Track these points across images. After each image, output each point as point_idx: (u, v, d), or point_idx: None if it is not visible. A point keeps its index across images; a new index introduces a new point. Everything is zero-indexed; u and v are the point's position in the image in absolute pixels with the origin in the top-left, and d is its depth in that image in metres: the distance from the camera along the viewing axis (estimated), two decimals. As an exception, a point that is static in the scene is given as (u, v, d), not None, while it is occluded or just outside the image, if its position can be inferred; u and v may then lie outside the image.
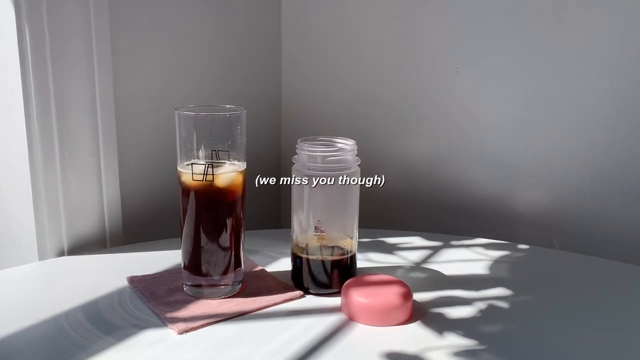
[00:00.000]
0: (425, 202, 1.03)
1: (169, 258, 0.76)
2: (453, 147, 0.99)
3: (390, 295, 0.62)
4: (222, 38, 1.02)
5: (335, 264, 0.67)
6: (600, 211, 0.87)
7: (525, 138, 0.91)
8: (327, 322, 0.61)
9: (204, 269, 0.65)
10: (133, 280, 0.69)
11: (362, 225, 0.73)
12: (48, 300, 0.65)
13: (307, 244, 0.67)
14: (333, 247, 0.67)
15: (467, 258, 0.79)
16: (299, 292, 0.67)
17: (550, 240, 0.92)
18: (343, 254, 0.67)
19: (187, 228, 0.65)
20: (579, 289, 0.71)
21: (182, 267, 0.67)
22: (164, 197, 0.94)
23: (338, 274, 0.67)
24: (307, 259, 0.67)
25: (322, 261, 0.66)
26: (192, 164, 0.63)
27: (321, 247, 0.66)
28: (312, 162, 0.65)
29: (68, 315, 0.61)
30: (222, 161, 0.64)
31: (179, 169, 0.64)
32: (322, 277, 0.67)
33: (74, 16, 0.76)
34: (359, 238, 0.69)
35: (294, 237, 0.68)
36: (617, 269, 0.77)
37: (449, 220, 1.01)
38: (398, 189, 1.06)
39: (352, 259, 0.68)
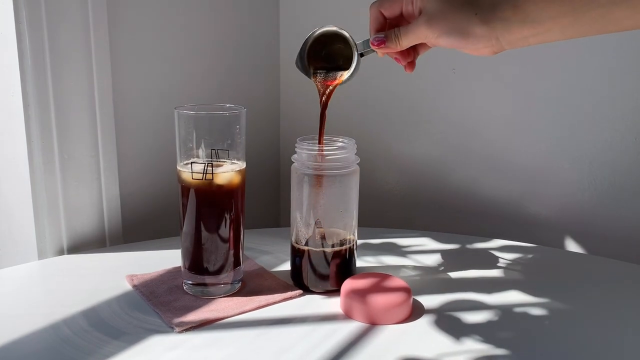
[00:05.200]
0: (424, 201, 1.04)
1: (169, 257, 0.76)
2: (452, 147, 0.99)
3: (390, 293, 0.62)
4: (221, 37, 1.02)
5: (334, 262, 0.67)
6: (601, 211, 0.87)
7: (525, 138, 0.92)
8: (326, 320, 0.61)
9: (203, 267, 0.65)
10: (133, 279, 0.69)
11: (361, 224, 0.73)
12: (47, 300, 0.65)
13: (307, 243, 0.67)
14: (332, 246, 0.67)
15: (467, 257, 0.79)
16: (298, 291, 0.67)
17: (550, 239, 0.92)
18: (342, 253, 0.67)
19: (187, 227, 0.65)
20: (579, 288, 0.71)
21: (182, 265, 0.67)
22: (163, 196, 0.94)
23: (337, 273, 0.67)
24: (308, 254, 0.67)
25: (322, 258, 0.66)
26: (191, 162, 0.63)
27: (322, 245, 0.66)
28: (311, 160, 0.65)
29: (67, 313, 0.61)
30: (222, 160, 0.64)
31: (178, 168, 0.65)
32: (322, 275, 0.67)
33: (72, 18, 0.76)
34: (358, 237, 0.69)
35: (294, 235, 0.68)
36: (623, 269, 0.77)
37: (448, 220, 1.01)
38: (398, 189, 1.06)
39: (352, 257, 0.68)
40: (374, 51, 0.61)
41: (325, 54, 0.65)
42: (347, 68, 0.64)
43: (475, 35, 0.53)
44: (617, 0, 0.47)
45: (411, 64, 0.63)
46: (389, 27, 0.60)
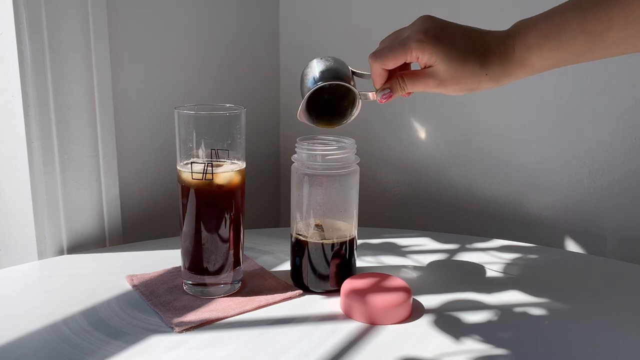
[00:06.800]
0: (424, 201, 1.04)
1: (169, 257, 0.76)
2: (452, 147, 0.99)
3: (390, 293, 0.62)
4: (220, 37, 1.02)
5: (334, 262, 0.67)
6: (601, 211, 0.87)
7: (525, 138, 0.92)
8: (326, 320, 0.61)
9: (203, 267, 0.65)
10: (133, 279, 0.69)
11: (361, 224, 0.73)
12: (47, 300, 0.65)
13: (307, 242, 0.67)
14: (332, 246, 0.67)
15: (467, 257, 0.79)
16: (298, 291, 0.67)
17: (550, 239, 0.92)
18: (342, 253, 0.67)
19: (187, 227, 0.65)
20: (578, 288, 0.71)
21: (182, 265, 0.67)
22: (163, 197, 0.94)
23: (337, 273, 0.67)
24: (308, 254, 0.67)
25: (322, 258, 0.67)
26: (191, 162, 0.63)
27: (322, 245, 0.66)
28: (311, 160, 0.65)
29: (67, 313, 0.61)
30: (222, 160, 0.64)
31: (178, 168, 0.65)
32: (322, 275, 0.67)
33: (72, 19, 0.76)
34: (358, 237, 0.69)
35: (294, 235, 0.68)
36: (622, 269, 0.77)
37: (448, 219, 1.01)
38: (398, 189, 1.06)
39: (352, 257, 0.68)
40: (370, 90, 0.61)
41: (327, 98, 0.62)
42: (349, 104, 0.62)
43: (484, 89, 0.55)
44: (617, 41, 0.48)
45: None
46: (391, 72, 0.59)
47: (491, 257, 0.79)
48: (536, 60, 0.52)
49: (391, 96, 0.59)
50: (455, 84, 0.54)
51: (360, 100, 0.61)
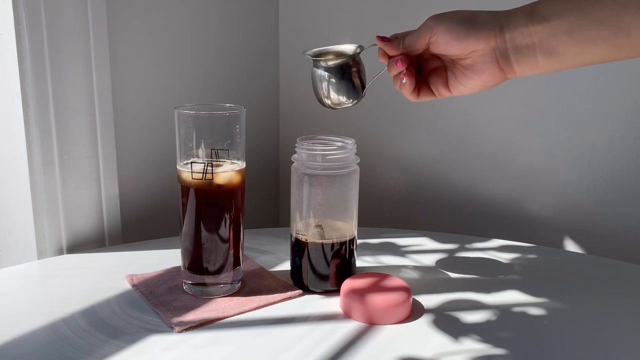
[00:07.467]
0: (424, 201, 1.04)
1: (169, 257, 0.76)
2: (452, 147, 0.99)
3: (389, 293, 0.62)
4: (220, 37, 1.02)
5: (334, 262, 0.67)
6: (600, 210, 0.87)
7: (524, 138, 0.92)
8: (325, 320, 0.61)
9: (203, 267, 0.65)
10: (132, 278, 0.69)
11: (361, 224, 0.73)
12: (47, 300, 0.65)
13: (307, 242, 0.67)
14: (332, 246, 0.67)
15: (467, 257, 0.79)
16: (298, 291, 0.67)
17: (549, 239, 0.92)
18: (342, 253, 0.67)
19: (187, 227, 0.65)
20: (578, 288, 0.71)
21: (182, 265, 0.67)
22: (163, 196, 0.94)
23: (337, 273, 0.67)
24: (308, 253, 0.67)
25: (322, 258, 0.67)
26: (191, 162, 0.63)
27: (321, 244, 0.66)
28: (311, 160, 0.65)
29: (66, 313, 0.61)
30: (222, 160, 0.64)
31: (178, 168, 0.65)
32: (322, 275, 0.67)
33: (72, 19, 0.76)
34: (358, 237, 0.69)
35: (294, 235, 0.68)
36: (622, 269, 0.77)
37: (448, 219, 1.01)
38: (398, 189, 1.06)
39: (351, 257, 0.69)
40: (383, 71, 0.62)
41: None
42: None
43: (479, 22, 0.53)
44: (625, 2, 0.46)
45: (416, 90, 0.61)
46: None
47: (490, 257, 0.79)
48: (544, 7, 0.50)
49: (388, 40, 0.59)
50: (449, 18, 0.55)
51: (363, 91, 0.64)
